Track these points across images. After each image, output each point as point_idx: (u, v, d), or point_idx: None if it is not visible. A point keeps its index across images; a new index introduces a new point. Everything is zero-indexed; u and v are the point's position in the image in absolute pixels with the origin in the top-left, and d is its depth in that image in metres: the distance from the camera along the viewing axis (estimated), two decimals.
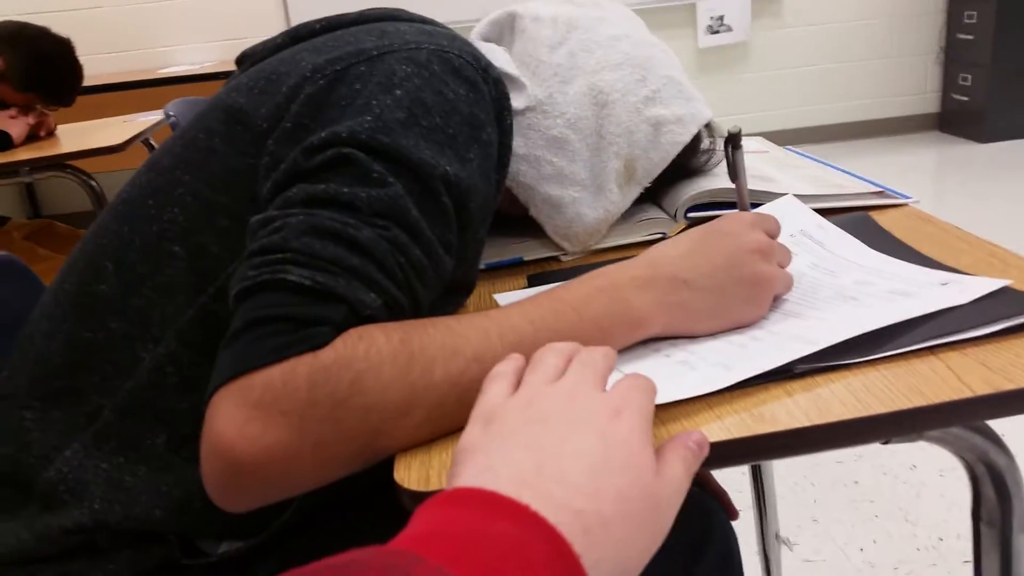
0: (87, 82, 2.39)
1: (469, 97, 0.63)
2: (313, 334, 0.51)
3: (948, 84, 4.35)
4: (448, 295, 0.70)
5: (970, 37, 4.09)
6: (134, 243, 0.65)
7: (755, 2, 4.19)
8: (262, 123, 0.64)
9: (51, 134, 2.40)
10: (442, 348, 0.54)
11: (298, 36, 0.73)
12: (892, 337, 0.58)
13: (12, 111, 2.24)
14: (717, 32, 4.18)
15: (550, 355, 0.50)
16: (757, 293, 0.63)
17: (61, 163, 2.08)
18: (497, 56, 0.80)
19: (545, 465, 0.39)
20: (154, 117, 2.59)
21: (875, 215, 0.84)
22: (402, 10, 0.75)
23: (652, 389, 0.47)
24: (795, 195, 0.83)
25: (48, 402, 0.65)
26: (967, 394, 0.51)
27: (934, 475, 1.74)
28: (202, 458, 0.51)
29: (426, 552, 0.32)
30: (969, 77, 4.15)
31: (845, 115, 4.43)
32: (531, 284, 0.81)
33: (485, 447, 0.43)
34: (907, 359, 0.56)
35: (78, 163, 2.13)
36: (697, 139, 0.88)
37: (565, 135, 0.81)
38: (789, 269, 0.66)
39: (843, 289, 0.67)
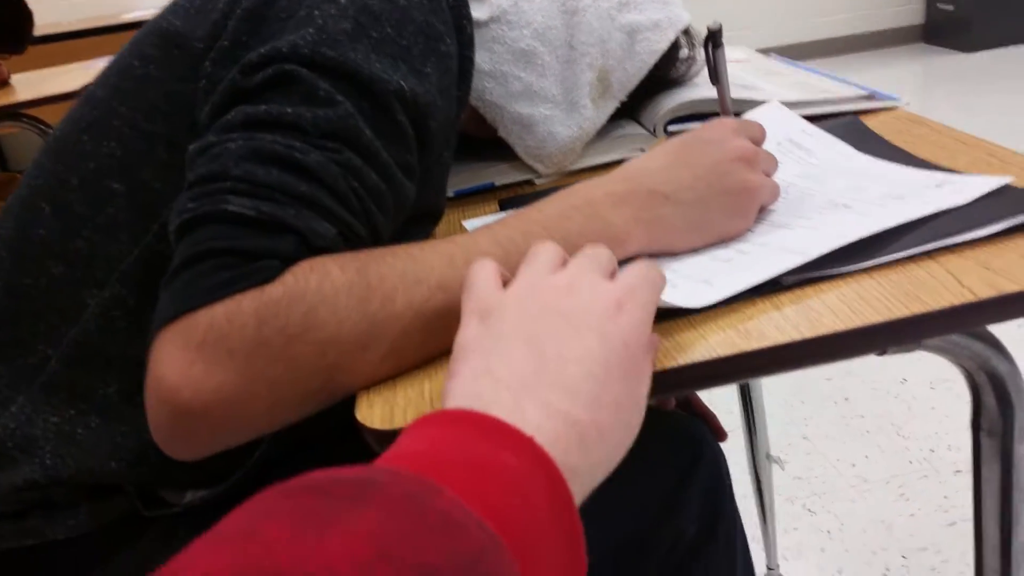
0: (47, 31, 2.29)
1: (423, 5, 0.58)
2: (259, 268, 0.47)
3: None
4: (413, 224, 0.65)
5: None
6: (71, 182, 0.60)
7: None
8: (199, 44, 0.59)
9: (5, 83, 2.31)
10: (403, 276, 0.50)
11: None
12: (887, 243, 0.54)
13: None
14: None
15: (548, 246, 0.47)
16: (742, 204, 0.59)
17: (16, 112, 1.99)
18: None
19: (545, 369, 0.39)
20: None
21: (865, 119, 0.80)
22: None
23: (658, 281, 0.45)
24: (781, 101, 0.79)
25: None
26: (969, 298, 0.48)
27: (925, 388, 1.73)
28: (147, 405, 0.48)
29: (438, 479, 0.30)
30: None
31: (828, 30, 4.34)
32: (503, 209, 0.77)
33: (482, 346, 0.41)
34: (904, 265, 0.53)
35: (37, 112, 2.04)
36: (675, 46, 0.83)
37: (533, 47, 0.76)
38: (775, 179, 0.62)
39: (834, 196, 0.63)
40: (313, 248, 0.49)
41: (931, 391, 1.72)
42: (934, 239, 0.53)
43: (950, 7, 4.11)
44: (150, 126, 0.59)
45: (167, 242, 0.53)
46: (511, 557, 0.29)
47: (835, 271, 0.52)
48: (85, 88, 0.66)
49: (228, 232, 0.48)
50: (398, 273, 0.50)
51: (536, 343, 0.40)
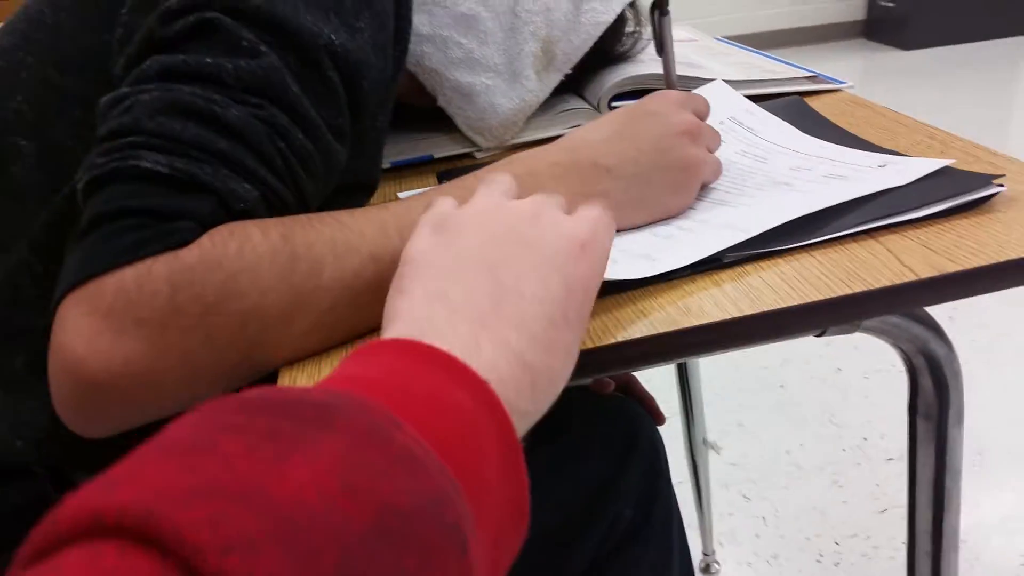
0: None
1: None
2: (173, 229, 0.44)
3: None
4: (346, 195, 0.62)
5: None
6: None
7: None
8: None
9: None
10: (332, 244, 0.47)
11: None
12: (828, 221, 0.53)
13: None
14: None
15: (505, 175, 0.46)
16: (685, 180, 0.57)
17: None
18: None
19: (504, 303, 0.37)
20: None
21: (809, 101, 0.79)
22: None
23: (612, 225, 0.44)
24: (725, 80, 0.78)
25: None
26: (909, 277, 0.47)
27: (859, 378, 1.76)
28: (50, 376, 0.44)
29: (396, 410, 0.28)
30: None
31: (770, 23, 4.39)
32: (442, 183, 0.74)
33: (438, 260, 0.39)
34: (845, 244, 0.52)
35: None
36: (621, 20, 0.81)
37: (475, 12, 0.73)
38: (718, 156, 0.61)
39: (776, 175, 0.62)
40: (232, 211, 0.46)
41: (865, 381, 1.75)
42: (875, 218, 0.52)
43: (890, 4, 4.19)
44: (62, 80, 0.55)
45: (77, 205, 0.49)
46: (467, 506, 0.27)
47: (776, 248, 0.51)
48: None
49: (140, 190, 0.45)
50: (326, 240, 0.47)
51: (496, 272, 0.38)
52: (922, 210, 0.53)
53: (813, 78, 0.84)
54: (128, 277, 0.42)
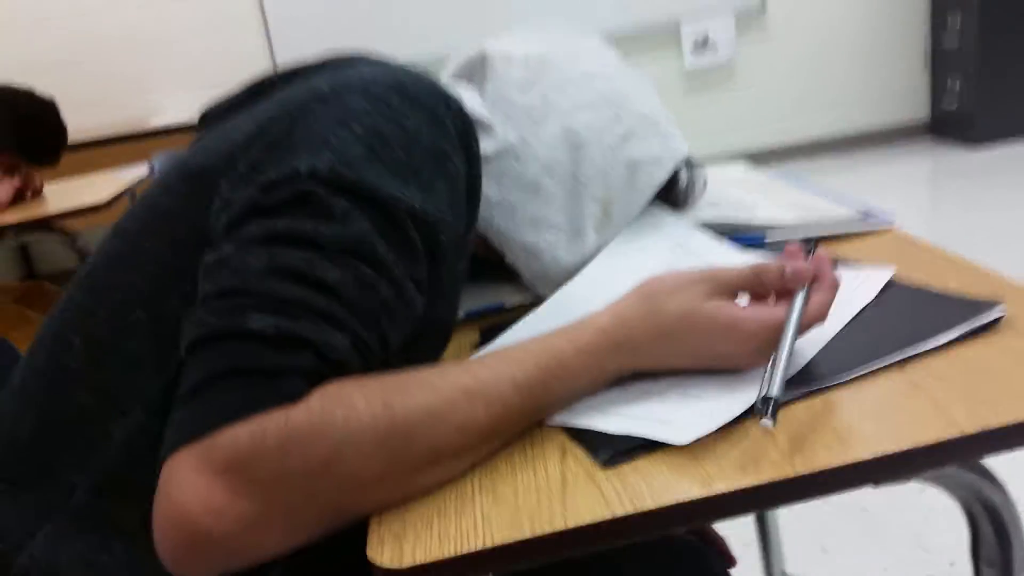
0: (73, 138, 2.38)
1: (431, 129, 0.62)
2: (281, 386, 0.49)
3: (936, 91, 4.34)
4: (427, 340, 0.68)
5: (955, 43, 4.09)
6: (99, 314, 0.63)
7: (739, 19, 4.18)
8: (219, 177, 0.62)
9: (38, 193, 2.39)
10: (427, 414, 0.52)
11: (258, 91, 0.72)
12: (857, 350, 0.59)
13: None
14: (703, 52, 4.18)
15: None
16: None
17: (47, 225, 2.07)
18: (465, 98, 0.79)
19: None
20: (140, 171, 2.58)
21: (859, 240, 0.82)
22: (365, 52, 0.74)
23: None
24: (775, 228, 0.82)
25: (19, 484, 0.63)
26: (956, 433, 0.49)
27: (942, 497, 1.69)
28: (156, 527, 0.49)
29: None
30: (957, 83, 4.15)
31: (836, 128, 4.42)
32: (484, 338, 0.78)
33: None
34: (892, 395, 0.54)
35: (66, 221, 2.11)
36: (675, 178, 0.87)
37: (539, 179, 0.80)
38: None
39: None
40: (328, 361, 0.52)
41: (949, 500, 1.68)
42: (903, 347, 0.57)
43: (954, 105, 4.19)
44: (176, 260, 0.62)
45: None
46: None
47: (822, 385, 0.55)
48: (117, 199, 0.70)
49: (248, 350, 0.50)
50: (422, 409, 0.52)
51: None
52: (944, 335, 0.57)
53: (863, 218, 0.87)
54: (241, 436, 0.47)
